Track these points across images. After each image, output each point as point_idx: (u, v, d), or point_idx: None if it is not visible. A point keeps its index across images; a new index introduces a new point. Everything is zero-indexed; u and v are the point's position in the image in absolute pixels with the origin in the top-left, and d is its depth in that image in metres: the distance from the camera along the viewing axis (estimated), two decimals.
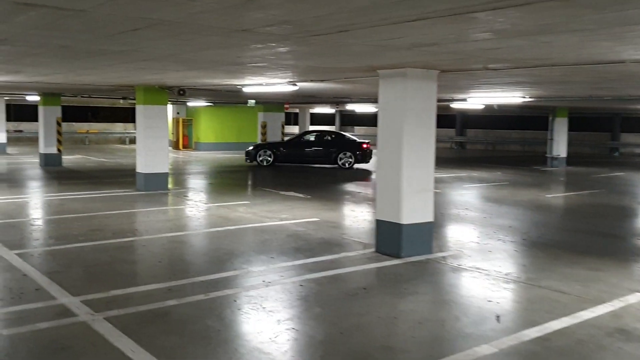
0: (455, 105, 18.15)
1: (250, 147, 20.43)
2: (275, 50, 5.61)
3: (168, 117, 13.38)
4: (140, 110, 13.11)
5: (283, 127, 24.72)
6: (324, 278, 6.33)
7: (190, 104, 26.21)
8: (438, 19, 3.78)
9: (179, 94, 13.10)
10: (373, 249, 7.58)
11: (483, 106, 18.39)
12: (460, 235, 9.05)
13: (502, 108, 20.77)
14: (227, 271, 6.56)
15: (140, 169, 13.16)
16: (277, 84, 10.45)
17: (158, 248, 7.67)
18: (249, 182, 16.42)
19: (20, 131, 29.17)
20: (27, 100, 26.53)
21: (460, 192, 14.00)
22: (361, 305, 5.41)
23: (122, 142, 33.02)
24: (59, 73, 9.33)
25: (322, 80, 9.48)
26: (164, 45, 5.50)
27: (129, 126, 33.72)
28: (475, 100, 15.94)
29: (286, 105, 23.81)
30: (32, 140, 30.07)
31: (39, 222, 9.27)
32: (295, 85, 10.18)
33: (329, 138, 20.80)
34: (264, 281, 6.11)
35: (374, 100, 19.28)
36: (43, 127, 18.68)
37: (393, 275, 6.57)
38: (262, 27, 4.22)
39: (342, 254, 7.43)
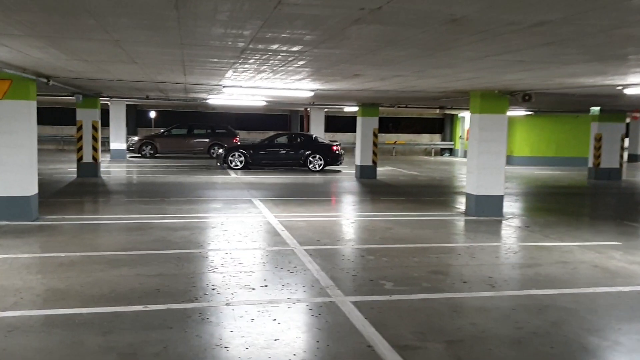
0: None
1: (221, 151, 20.00)
2: None
3: (504, 129, 11.01)
4: (475, 120, 11.02)
5: (623, 140, 20.21)
6: None
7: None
8: None
9: (524, 100, 10.59)
10: None
11: None
12: None
13: None
14: None
15: (471, 189, 11.06)
16: None
17: (535, 317, 5.28)
18: (598, 211, 13.01)
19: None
20: (342, 112, 27.35)
21: None
22: None
23: (428, 153, 31.98)
24: (401, 75, 7.75)
25: None
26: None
27: (435, 137, 32.57)
28: None
29: (636, 114, 19.30)
30: (345, 150, 31.04)
31: (368, 252, 7.80)
32: None
33: (300, 140, 20.26)
34: None
35: None
36: (360, 139, 18.16)
37: None
38: None
39: None
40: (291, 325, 4.83)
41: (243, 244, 7.98)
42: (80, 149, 16.50)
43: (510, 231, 9.72)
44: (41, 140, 28.43)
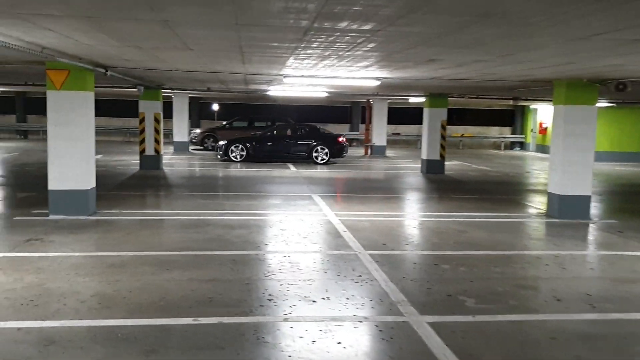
0: None
1: (222, 143, 19.21)
2: None
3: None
4: (559, 112, 9.94)
5: None
6: None
7: None
8: None
9: (618, 89, 9.42)
10: None
11: None
12: None
13: None
14: None
15: (555, 188, 10.00)
16: None
17: None
18: None
19: (398, 134, 29.30)
20: (406, 103, 26.37)
21: None
22: None
23: (497, 147, 30.47)
24: (483, 61, 6.88)
25: None
26: None
27: (504, 130, 30.99)
28: None
29: None
30: (408, 143, 30.05)
31: (442, 260, 7.00)
32: None
33: (303, 131, 19.46)
34: None
35: None
36: (427, 131, 17.20)
37: None
38: None
39: None
40: (358, 351, 4.15)
41: (302, 246, 7.36)
42: (142, 141, 16.38)
43: (600, 237, 8.66)
44: (108, 132, 28.99)
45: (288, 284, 5.71)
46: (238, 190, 12.32)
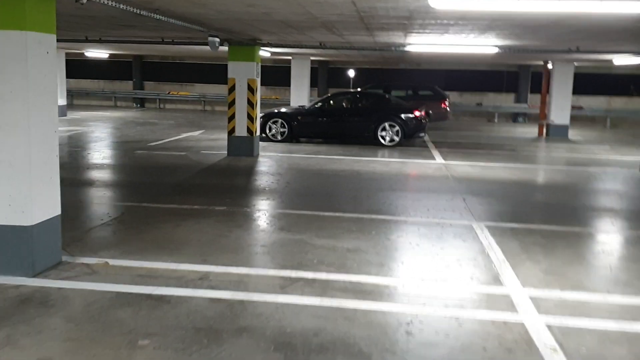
0: None
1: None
2: None
3: None
4: None
5: None
6: None
7: None
8: None
9: None
10: None
11: None
12: None
13: None
14: None
15: None
16: None
17: None
18: None
19: (580, 108, 22.17)
20: (591, 68, 19.50)
21: None
22: None
23: None
24: None
25: None
26: None
27: None
28: None
29: None
30: (593, 120, 22.85)
31: None
32: None
33: (365, 102, 14.70)
34: None
35: None
36: None
37: None
38: None
39: None
40: None
41: None
42: (232, 117, 12.02)
43: None
44: (220, 101, 25.33)
45: None
46: (348, 205, 7.38)
